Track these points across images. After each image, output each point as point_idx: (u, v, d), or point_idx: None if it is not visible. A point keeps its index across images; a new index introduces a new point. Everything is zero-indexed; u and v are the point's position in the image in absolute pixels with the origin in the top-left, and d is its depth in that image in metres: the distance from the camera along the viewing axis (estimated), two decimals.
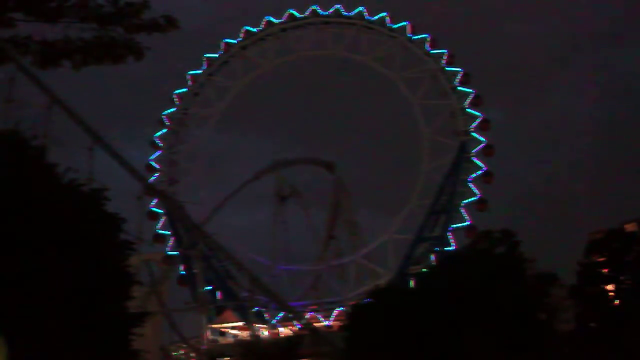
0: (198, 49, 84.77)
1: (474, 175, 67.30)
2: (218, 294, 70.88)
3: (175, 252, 71.15)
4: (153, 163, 76.80)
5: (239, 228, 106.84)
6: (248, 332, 64.81)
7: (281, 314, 67.78)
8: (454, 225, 66.12)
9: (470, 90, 71.01)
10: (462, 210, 66.36)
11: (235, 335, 68.35)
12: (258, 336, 63.86)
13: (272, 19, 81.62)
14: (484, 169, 67.21)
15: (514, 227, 35.07)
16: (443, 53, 73.32)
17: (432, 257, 61.07)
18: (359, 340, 34.79)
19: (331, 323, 65.65)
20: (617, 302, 31.62)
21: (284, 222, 79.23)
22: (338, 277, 74.85)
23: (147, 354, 23.15)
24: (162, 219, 72.42)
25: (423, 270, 42.43)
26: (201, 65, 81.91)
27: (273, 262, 76.01)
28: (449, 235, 65.91)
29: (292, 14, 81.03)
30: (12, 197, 14.55)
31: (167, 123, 79.07)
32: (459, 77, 71.61)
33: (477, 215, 65.99)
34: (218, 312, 69.97)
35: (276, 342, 60.63)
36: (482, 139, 68.47)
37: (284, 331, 66.95)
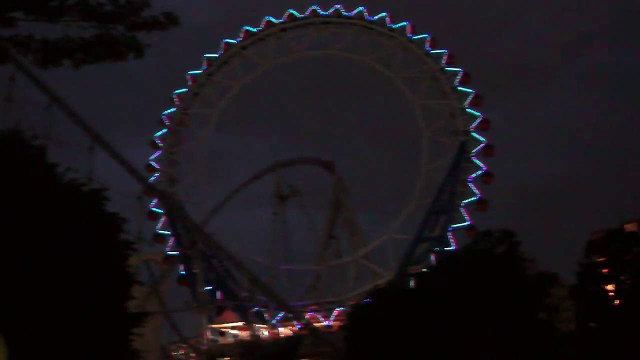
0: (198, 49, 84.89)
1: (474, 175, 67.28)
2: (218, 294, 70.81)
3: (175, 252, 71.13)
4: (153, 163, 76.71)
5: (239, 228, 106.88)
6: (248, 332, 64.86)
7: (281, 314, 67.72)
8: (454, 225, 66.01)
9: (470, 90, 70.95)
10: (462, 210, 66.34)
11: (235, 335, 68.35)
12: (258, 336, 63.90)
13: (272, 19, 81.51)
14: (484, 169, 67.16)
15: (514, 227, 35.05)
16: (443, 53, 73.24)
17: (432, 257, 60.99)
18: (358, 340, 34.80)
19: (331, 323, 65.57)
20: (617, 302, 31.57)
21: (284, 222, 79.25)
22: (338, 277, 74.82)
23: (147, 354, 23.15)
24: (162, 219, 72.35)
25: (423, 270, 42.33)
26: (201, 65, 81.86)
27: (273, 262, 75.97)
28: (449, 235, 65.84)
29: (292, 14, 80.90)
30: (12, 197, 14.54)
31: (167, 123, 78.99)
32: (459, 77, 71.50)
33: (477, 215, 65.98)
34: (218, 312, 69.95)
35: (276, 342, 60.72)
36: (482, 139, 68.38)
37: (284, 331, 66.93)
